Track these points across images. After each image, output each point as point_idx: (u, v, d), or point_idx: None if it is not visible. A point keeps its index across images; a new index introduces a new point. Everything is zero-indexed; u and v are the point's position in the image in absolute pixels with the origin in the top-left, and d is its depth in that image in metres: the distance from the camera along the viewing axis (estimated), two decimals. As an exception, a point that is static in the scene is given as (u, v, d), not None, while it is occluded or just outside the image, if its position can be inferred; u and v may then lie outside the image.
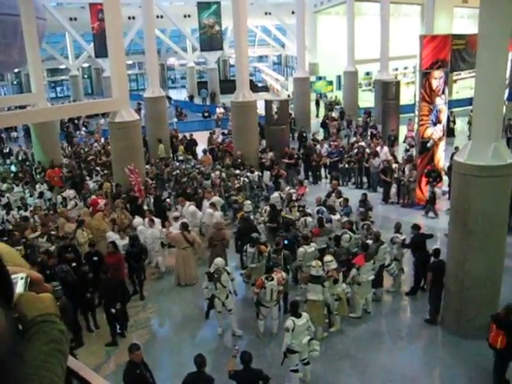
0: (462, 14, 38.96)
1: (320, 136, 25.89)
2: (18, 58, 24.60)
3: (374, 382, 9.26)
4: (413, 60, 26.84)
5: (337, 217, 13.38)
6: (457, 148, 17.40)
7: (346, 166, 20.08)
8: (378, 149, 20.26)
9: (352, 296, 11.10)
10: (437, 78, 16.32)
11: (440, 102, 16.65)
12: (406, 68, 38.72)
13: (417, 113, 16.96)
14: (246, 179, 17.42)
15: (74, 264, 11.20)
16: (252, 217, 14.55)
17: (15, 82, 50.06)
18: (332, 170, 20.42)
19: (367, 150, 20.18)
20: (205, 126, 32.06)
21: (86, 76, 53.10)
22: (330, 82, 38.37)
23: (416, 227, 12.03)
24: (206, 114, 34.86)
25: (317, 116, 34.07)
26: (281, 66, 54.33)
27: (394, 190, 18.13)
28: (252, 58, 49.16)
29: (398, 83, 26.18)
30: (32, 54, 20.83)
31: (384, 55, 30.09)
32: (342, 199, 14.75)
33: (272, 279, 10.11)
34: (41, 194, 17.67)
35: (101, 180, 19.42)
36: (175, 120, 33.20)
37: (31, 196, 17.85)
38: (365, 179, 19.84)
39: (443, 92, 16.63)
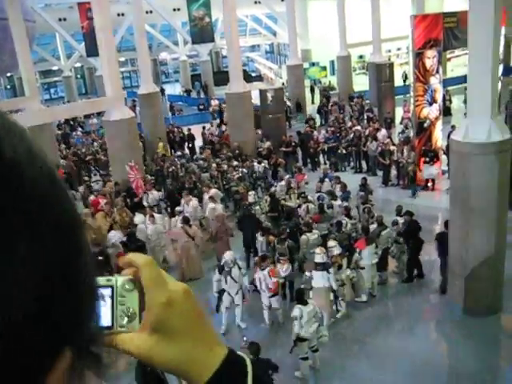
0: (452, -8, 38.77)
1: (317, 123, 25.89)
2: (9, 62, 24.48)
3: (383, 364, 9.30)
4: (405, 41, 26.74)
5: (338, 202, 13.38)
6: (453, 126, 17.39)
7: (344, 151, 20.06)
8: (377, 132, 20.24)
9: (357, 280, 11.12)
10: (430, 58, 16.27)
11: (435, 82, 16.61)
12: (399, 49, 38.49)
13: (412, 93, 16.92)
14: (245, 170, 17.41)
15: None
16: (257, 207, 14.46)
17: (8, 87, 49.89)
18: (330, 156, 20.41)
19: (365, 133, 20.16)
20: (201, 119, 32.02)
21: (79, 76, 52.90)
22: (324, 68, 38.22)
23: (409, 214, 11.84)
24: (202, 107, 34.79)
25: (312, 102, 33.97)
26: (273, 54, 54.08)
27: (394, 172, 18.11)
28: (244, 47, 48.90)
29: (391, 65, 26.09)
30: (23, 57, 20.75)
31: (376, 38, 29.94)
32: (340, 185, 14.76)
33: (263, 269, 10.12)
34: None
35: (100, 179, 19.43)
36: (170, 115, 33.14)
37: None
38: (364, 163, 19.82)
39: (437, 71, 16.59)
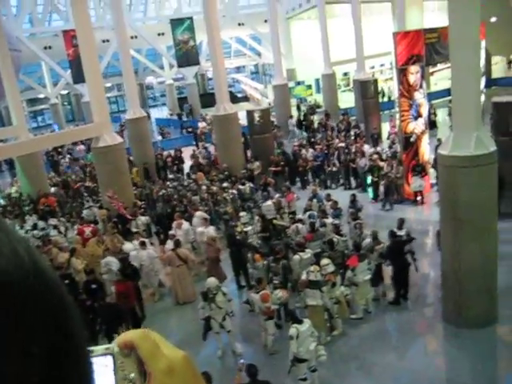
0: (432, 8, 39.42)
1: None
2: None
3: (381, 381, 9.27)
4: (388, 57, 27.14)
5: (329, 220, 13.40)
6: (439, 140, 17.59)
7: (334, 168, 20.18)
8: (363, 148, 20.40)
9: (352, 297, 11.11)
10: (413, 73, 16.48)
11: (419, 97, 16.80)
12: (382, 65, 39.01)
13: (397, 109, 17.11)
14: (235, 191, 17.44)
15: (73, 295, 11.10)
16: (249, 228, 14.43)
17: (-5, 116, 49.78)
18: (319, 174, 20.49)
19: (352, 150, 20.30)
20: (189, 141, 32.12)
21: (65, 103, 52.96)
22: (309, 86, 38.56)
23: (392, 234, 11.60)
24: (190, 130, 34.88)
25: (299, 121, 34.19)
26: (259, 74, 54.53)
27: (382, 188, 18.18)
28: (229, 69, 49.29)
29: (375, 81, 26.40)
30: (10, 86, 20.79)
31: (359, 55, 30.31)
32: (331, 202, 14.82)
33: (258, 292, 10.09)
34: (34, 226, 17.59)
35: (92, 205, 19.39)
36: (159, 138, 33.18)
37: (22, 228, 17.75)
38: (353, 180, 19.92)
39: (421, 86, 16.79)
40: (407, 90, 16.49)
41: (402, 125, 16.94)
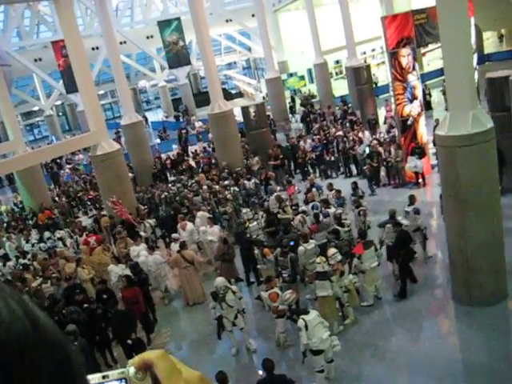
0: (418, -12, 39.24)
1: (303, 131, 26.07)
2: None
3: (397, 366, 9.29)
4: (379, 41, 27.01)
5: (332, 210, 13.39)
6: (437, 120, 17.56)
7: (333, 158, 20.17)
8: (361, 135, 20.39)
9: (360, 285, 11.12)
10: (405, 56, 16.44)
11: (412, 79, 16.77)
12: (373, 50, 38.87)
13: (392, 93, 17.07)
14: (236, 188, 17.45)
15: (85, 305, 11.09)
16: (254, 223, 14.40)
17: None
18: (319, 164, 20.48)
19: (350, 138, 20.29)
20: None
21: (60, 114, 52.92)
22: (302, 77, 38.46)
23: (398, 225, 11.46)
24: (184, 131, 34.84)
25: (295, 113, 34.17)
26: (251, 69, 54.41)
27: (382, 173, 18.18)
28: (221, 66, 49.22)
29: (368, 67, 26.32)
30: (3, 101, 20.80)
31: (350, 42, 30.20)
32: (333, 191, 14.81)
33: (267, 290, 10.09)
34: (40, 239, 17.66)
35: (96, 214, 19.42)
36: (158, 141, 33.16)
37: (27, 242, 17.78)
38: (354, 167, 19.91)
39: (414, 68, 16.75)
40: (400, 73, 16.45)
41: (398, 108, 16.90)
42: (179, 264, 12.76)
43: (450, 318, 10.55)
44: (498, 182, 10.00)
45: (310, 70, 36.79)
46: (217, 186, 17.79)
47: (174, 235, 14.36)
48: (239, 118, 23.81)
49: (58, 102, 49.03)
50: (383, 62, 28.55)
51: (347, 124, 23.95)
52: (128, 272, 12.54)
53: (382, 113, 25.12)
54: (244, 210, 15.04)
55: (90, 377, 0.80)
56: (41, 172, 23.85)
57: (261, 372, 8.16)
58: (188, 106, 41.84)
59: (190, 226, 14.70)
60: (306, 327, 8.59)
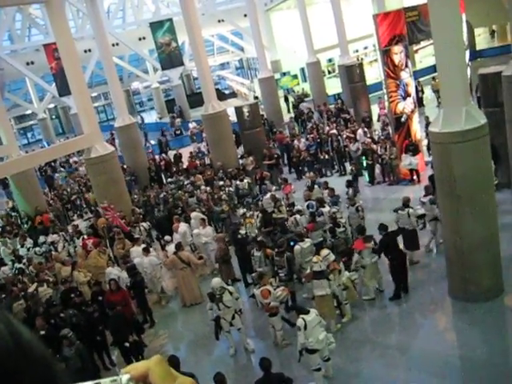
0: (410, -15, 39.29)
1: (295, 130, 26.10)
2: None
3: (395, 362, 9.32)
4: (371, 39, 27.07)
5: (327, 209, 13.39)
6: (427, 118, 17.65)
7: (327, 156, 20.18)
8: (360, 131, 20.34)
9: (360, 280, 11.12)
10: (397, 53, 16.47)
11: (405, 76, 16.80)
12: (366, 48, 38.90)
13: (385, 90, 17.10)
14: (231, 189, 17.44)
15: (83, 308, 11.10)
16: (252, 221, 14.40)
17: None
18: (314, 163, 20.46)
19: (344, 136, 20.31)
20: (180, 143, 32.08)
21: (54, 117, 52.75)
22: (295, 76, 38.48)
23: (383, 227, 11.23)
24: (178, 132, 34.85)
25: (288, 112, 34.20)
26: (244, 69, 54.39)
27: (377, 170, 18.22)
28: (214, 67, 49.18)
29: (361, 65, 26.35)
30: (-4, 106, 20.72)
31: (342, 40, 30.21)
32: (327, 190, 14.82)
33: (259, 287, 10.09)
34: (35, 243, 17.61)
35: (91, 217, 19.36)
36: (152, 142, 33.09)
37: (22, 247, 17.71)
38: (348, 165, 19.90)
39: (406, 65, 16.78)
40: (393, 70, 16.48)
41: (391, 106, 16.93)
42: (176, 265, 12.76)
43: (447, 315, 10.58)
44: (492, 178, 10.03)
45: (302, 69, 36.81)
46: (208, 187, 17.79)
47: (166, 237, 14.37)
48: (233, 118, 23.79)
49: (51, 105, 48.88)
50: (376, 60, 28.63)
51: (341, 122, 23.93)
52: (125, 274, 12.55)
53: (375, 110, 25.14)
54: (241, 211, 15.01)
55: None
56: (35, 176, 23.75)
57: None
58: (182, 107, 41.80)
59: (182, 228, 14.63)
60: (305, 327, 8.60)
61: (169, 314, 13.05)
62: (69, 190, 24.88)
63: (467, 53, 16.44)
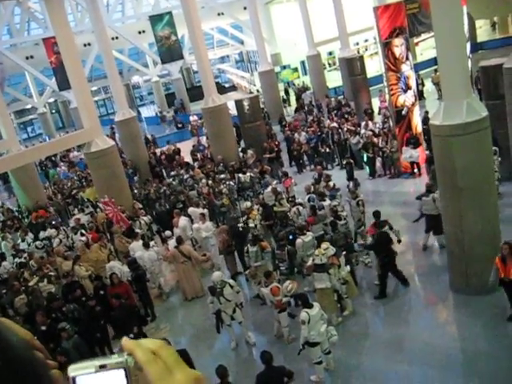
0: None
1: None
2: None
3: (397, 355, 9.31)
4: (372, 32, 26.95)
5: (327, 202, 13.38)
6: (427, 112, 17.60)
7: (327, 150, 20.13)
8: (363, 124, 20.28)
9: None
10: (398, 46, 16.40)
11: (406, 69, 16.73)
12: (366, 41, 38.78)
13: (385, 83, 17.04)
14: (231, 182, 17.42)
15: (87, 302, 11.11)
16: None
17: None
18: (314, 156, 20.43)
19: (345, 129, 20.27)
20: (181, 137, 32.02)
21: (54, 111, 52.68)
22: (295, 69, 38.37)
23: (376, 226, 11.38)
24: (180, 126, 34.76)
25: (289, 105, 34.13)
26: (244, 62, 54.23)
27: (378, 163, 18.19)
28: (214, 60, 49.04)
29: (361, 58, 26.25)
30: (-5, 100, 20.67)
31: (342, 33, 30.13)
32: (325, 184, 14.80)
33: (267, 285, 10.08)
34: (35, 237, 17.61)
35: (92, 211, 19.35)
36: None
37: (23, 241, 17.71)
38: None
39: (407, 58, 16.71)
40: (393, 63, 16.41)
41: (392, 99, 16.88)
42: (177, 259, 12.77)
43: (448, 308, 10.57)
44: (493, 171, 10.00)
45: (303, 62, 36.71)
46: (209, 181, 17.76)
47: (166, 232, 14.37)
48: (233, 111, 23.73)
49: (51, 100, 48.81)
50: (376, 53, 28.55)
51: (344, 115, 23.87)
52: (126, 268, 12.56)
53: (375, 103, 25.08)
54: (244, 204, 14.97)
55: (82, 365, 0.79)
56: (35, 170, 23.73)
57: None
58: (183, 101, 41.77)
59: (182, 222, 14.62)
60: (309, 321, 8.61)
61: (170, 307, 13.07)
62: (69, 184, 24.86)
63: (468, 45, 16.35)
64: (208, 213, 15.40)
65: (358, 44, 37.49)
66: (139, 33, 39.90)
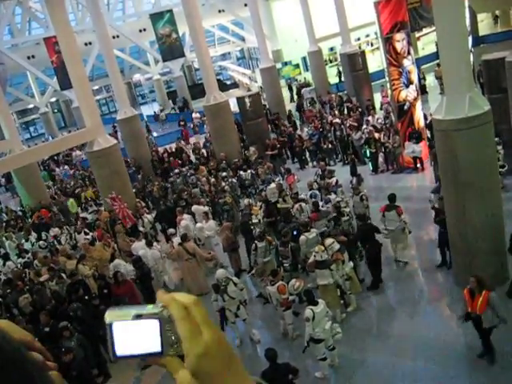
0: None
1: (296, 120, 26.04)
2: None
3: (401, 351, 9.30)
4: (373, 27, 26.88)
5: (333, 196, 13.35)
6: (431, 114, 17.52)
7: (330, 145, 20.10)
8: (370, 118, 20.22)
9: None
10: (400, 41, 16.33)
11: (408, 63, 16.66)
12: (367, 36, 38.70)
13: (387, 78, 16.98)
14: (234, 180, 17.40)
15: (89, 301, 11.15)
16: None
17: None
18: (316, 152, 20.39)
19: (347, 125, 20.22)
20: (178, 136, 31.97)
21: (56, 110, 52.73)
22: (297, 65, 38.34)
23: (361, 218, 11.62)
24: (182, 123, 34.71)
25: (293, 101, 34.10)
26: (245, 59, 54.17)
27: (381, 159, 18.14)
28: (215, 57, 48.97)
29: (363, 53, 26.18)
30: (-3, 101, 20.69)
31: (343, 28, 29.99)
32: (323, 181, 14.79)
33: (274, 284, 10.07)
34: (39, 237, 17.64)
35: (96, 209, 19.38)
36: (154, 135, 33.02)
37: (27, 241, 17.74)
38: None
39: (409, 52, 16.65)
40: (395, 58, 16.35)
41: (394, 94, 16.83)
42: (181, 256, 12.76)
43: (451, 303, 10.52)
44: (496, 164, 9.97)
45: (304, 58, 36.64)
46: (212, 179, 17.74)
47: (170, 230, 14.37)
48: (235, 108, 23.71)
49: (53, 99, 48.87)
50: (378, 48, 28.48)
51: (345, 111, 23.84)
52: (131, 267, 12.58)
53: (377, 98, 25.00)
54: (245, 201, 14.95)
55: (118, 312, 0.89)
56: (38, 170, 23.76)
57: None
58: (185, 98, 41.77)
59: (184, 222, 14.61)
60: (313, 318, 8.60)
61: (174, 305, 13.06)
62: (72, 183, 24.90)
63: (470, 39, 16.29)
64: (211, 210, 15.39)
65: (359, 39, 37.40)
66: (140, 31, 39.86)
